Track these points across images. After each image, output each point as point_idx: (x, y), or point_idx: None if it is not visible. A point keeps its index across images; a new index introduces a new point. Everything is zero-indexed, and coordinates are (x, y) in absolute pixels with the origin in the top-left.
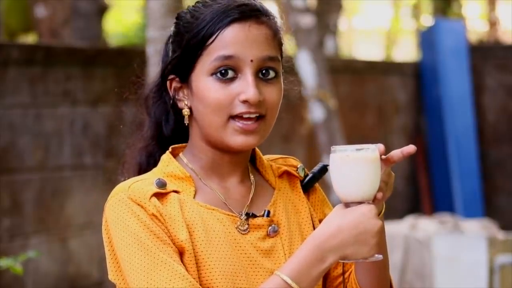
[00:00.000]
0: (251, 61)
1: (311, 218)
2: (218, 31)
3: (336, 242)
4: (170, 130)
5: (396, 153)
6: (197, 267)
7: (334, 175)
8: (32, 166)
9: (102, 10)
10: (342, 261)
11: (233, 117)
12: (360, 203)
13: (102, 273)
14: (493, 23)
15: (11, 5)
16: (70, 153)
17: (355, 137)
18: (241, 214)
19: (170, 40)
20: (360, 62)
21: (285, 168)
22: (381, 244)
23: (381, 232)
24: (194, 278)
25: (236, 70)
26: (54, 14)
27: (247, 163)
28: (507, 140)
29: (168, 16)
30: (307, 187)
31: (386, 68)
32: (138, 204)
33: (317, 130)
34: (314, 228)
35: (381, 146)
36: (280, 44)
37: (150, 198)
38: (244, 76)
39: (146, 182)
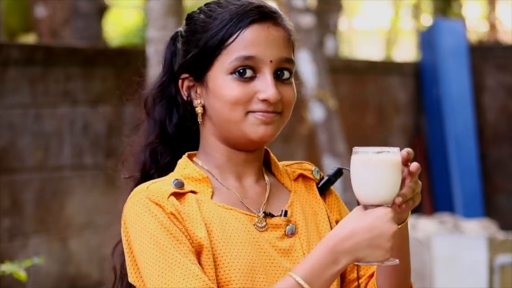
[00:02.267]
0: (271, 61)
1: (328, 220)
2: (239, 31)
3: (349, 244)
4: (174, 127)
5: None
6: (215, 264)
7: (354, 177)
8: (32, 166)
9: (102, 10)
10: (357, 263)
11: (251, 111)
12: (378, 206)
13: (102, 273)
14: (493, 23)
15: (11, 5)
16: (70, 153)
17: (355, 137)
18: (259, 212)
19: (181, 40)
20: (360, 62)
21: (300, 171)
22: (404, 249)
23: (397, 236)
24: (211, 276)
25: (255, 70)
26: (54, 14)
27: (261, 163)
28: (507, 140)
29: (168, 16)
30: (323, 189)
31: (386, 68)
32: (157, 204)
33: (317, 130)
34: (331, 229)
35: (404, 152)
36: (293, 46)
37: (169, 197)
38: (263, 75)
39: (164, 183)
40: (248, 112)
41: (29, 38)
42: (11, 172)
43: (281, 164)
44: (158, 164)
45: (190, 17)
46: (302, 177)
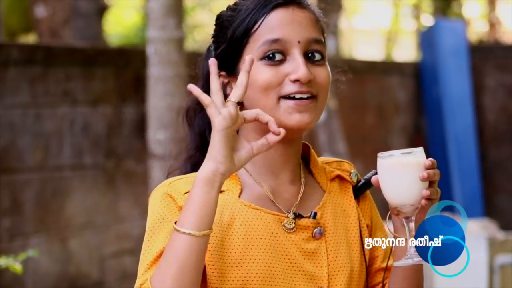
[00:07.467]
0: (299, 42)
1: (359, 223)
2: (263, 17)
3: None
4: None
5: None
6: (234, 266)
7: (383, 181)
8: (32, 166)
9: (102, 10)
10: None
11: (284, 97)
12: (407, 205)
13: (102, 273)
14: (493, 23)
15: (11, 5)
16: (70, 153)
17: (355, 137)
18: (289, 213)
19: (212, 40)
20: (360, 62)
21: (338, 172)
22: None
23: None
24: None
25: (284, 53)
26: (54, 14)
27: (299, 159)
28: (507, 140)
29: (168, 16)
30: (359, 193)
31: (386, 68)
32: (171, 197)
33: (317, 130)
34: (360, 233)
35: (428, 162)
36: (323, 30)
37: (185, 193)
38: (292, 57)
39: (187, 181)
40: (280, 98)
41: (29, 38)
42: (11, 172)
43: (320, 160)
44: None
45: (218, 16)
46: (339, 178)
